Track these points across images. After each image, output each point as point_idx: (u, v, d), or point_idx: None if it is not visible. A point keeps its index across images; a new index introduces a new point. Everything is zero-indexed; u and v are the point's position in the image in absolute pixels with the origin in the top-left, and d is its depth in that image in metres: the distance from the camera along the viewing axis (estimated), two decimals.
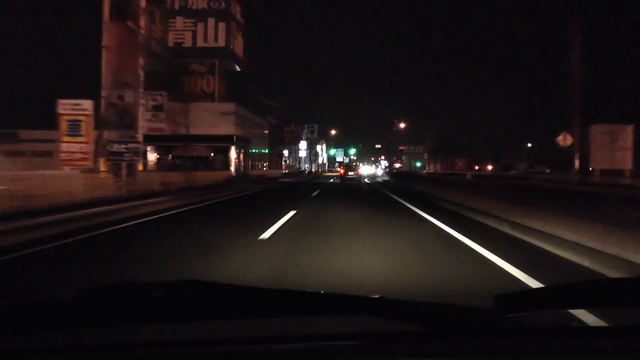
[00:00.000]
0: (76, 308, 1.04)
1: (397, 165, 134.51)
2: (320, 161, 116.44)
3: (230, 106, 39.12)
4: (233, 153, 38.37)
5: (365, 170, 72.34)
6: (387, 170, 64.38)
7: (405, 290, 3.94)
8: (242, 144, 40.03)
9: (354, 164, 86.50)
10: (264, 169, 53.23)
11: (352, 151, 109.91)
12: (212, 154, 41.01)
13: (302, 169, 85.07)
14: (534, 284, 4.21)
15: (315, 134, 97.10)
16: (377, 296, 1.10)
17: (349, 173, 37.39)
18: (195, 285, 1.08)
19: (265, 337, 1.09)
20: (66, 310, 1.04)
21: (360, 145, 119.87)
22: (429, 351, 1.04)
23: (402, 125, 75.78)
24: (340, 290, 1.15)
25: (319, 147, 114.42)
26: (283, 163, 76.97)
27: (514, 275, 4.58)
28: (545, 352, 1.05)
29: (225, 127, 37.49)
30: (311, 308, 1.13)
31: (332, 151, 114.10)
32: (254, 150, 46.36)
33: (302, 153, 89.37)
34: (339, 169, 67.71)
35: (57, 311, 1.04)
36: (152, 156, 39.23)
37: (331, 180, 44.38)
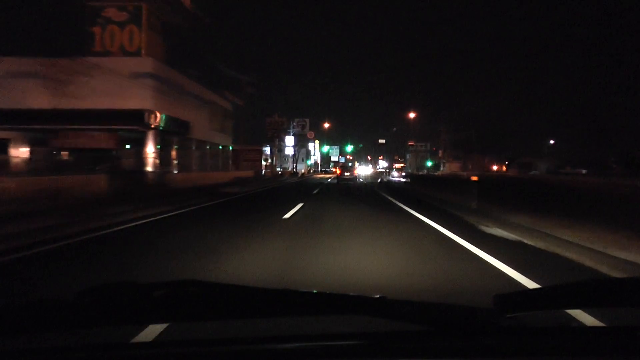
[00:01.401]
0: (76, 308, 1.03)
1: (399, 165, 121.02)
2: (312, 160, 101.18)
3: (144, 63, 23.54)
4: (151, 145, 22.78)
5: (363, 170, 61.52)
6: (406, 173, 46.36)
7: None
8: (174, 129, 24.52)
9: (350, 164, 72.53)
10: (228, 169, 37.73)
11: (350, 148, 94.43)
12: (127, 146, 25.53)
13: (290, 169, 69.66)
14: None
15: (307, 130, 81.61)
16: (378, 296, 1.07)
17: (345, 174, 35.82)
18: (195, 285, 1.06)
19: (265, 337, 1.09)
20: (66, 310, 1.02)
21: (360, 145, 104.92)
22: (430, 351, 1.05)
23: (412, 115, 60.54)
24: (341, 290, 1.10)
25: (311, 145, 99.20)
26: (264, 162, 61.71)
27: None
28: (545, 352, 1.06)
29: (139, 100, 22.02)
30: (311, 308, 1.12)
31: (326, 148, 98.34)
32: (203, 147, 30.74)
33: (289, 150, 73.80)
34: (334, 169, 61.07)
35: (57, 311, 1.02)
36: (19, 150, 23.65)
37: (327, 181, 31.38)
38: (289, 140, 72.64)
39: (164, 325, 1.25)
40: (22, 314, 1.02)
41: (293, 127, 73.58)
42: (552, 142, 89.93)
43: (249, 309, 1.07)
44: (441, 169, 66.25)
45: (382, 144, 76.53)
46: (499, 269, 4.83)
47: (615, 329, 1.19)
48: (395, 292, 3.95)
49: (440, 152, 64.69)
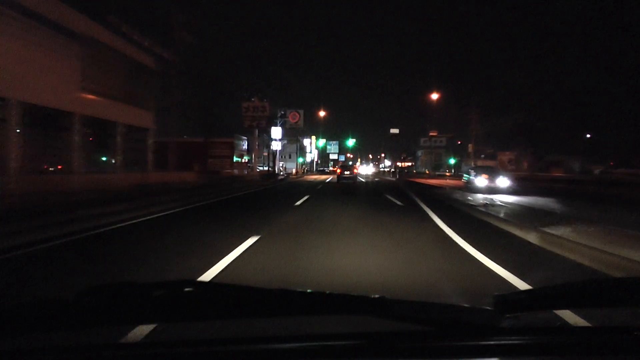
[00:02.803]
0: (76, 308, 1.02)
1: (405, 164, 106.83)
2: (309, 158, 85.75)
3: None
4: None
5: (364, 170, 59.14)
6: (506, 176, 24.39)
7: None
8: None
9: (350, 162, 66.58)
10: (148, 169, 22.22)
11: (351, 142, 78.39)
12: None
13: (273, 170, 54.28)
14: None
15: (301, 123, 65.99)
16: (377, 296, 1.06)
17: (345, 172, 33.33)
18: (195, 285, 1.07)
19: (265, 337, 1.09)
20: (66, 310, 1.02)
21: (359, 140, 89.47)
22: (429, 351, 1.05)
23: (434, 96, 44.85)
24: (341, 290, 1.09)
25: (306, 141, 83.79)
26: (238, 160, 46.38)
27: None
28: (545, 352, 1.06)
29: None
30: (311, 308, 1.11)
31: (321, 142, 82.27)
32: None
33: (276, 145, 58.24)
34: (335, 169, 57.45)
35: (57, 311, 1.02)
36: None
37: (318, 187, 22.87)
38: (276, 132, 57.08)
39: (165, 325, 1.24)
40: (22, 314, 1.01)
41: (281, 117, 57.97)
42: (588, 136, 74.67)
43: (248, 309, 1.06)
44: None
45: (394, 134, 61.24)
46: None
47: (614, 328, 1.19)
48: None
49: (470, 146, 48.91)
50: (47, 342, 1.04)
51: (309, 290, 1.11)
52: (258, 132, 52.03)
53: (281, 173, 52.98)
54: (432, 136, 51.39)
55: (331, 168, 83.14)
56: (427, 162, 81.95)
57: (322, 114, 63.89)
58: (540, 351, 1.06)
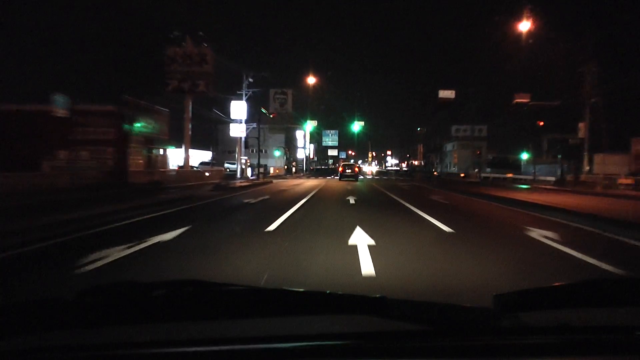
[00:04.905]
0: (76, 308, 1.04)
1: (415, 162, 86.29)
2: (301, 155, 63.43)
3: None
4: None
5: (368, 168, 55.54)
6: None
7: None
8: None
9: (352, 160, 61.43)
10: None
11: (357, 127, 55.44)
12: None
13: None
14: None
15: (288, 107, 43.16)
16: (378, 296, 1.07)
17: (347, 171, 31.28)
18: (195, 285, 1.08)
19: (265, 337, 1.09)
20: (66, 310, 1.03)
21: (361, 127, 67.55)
22: (430, 350, 1.05)
23: (524, 26, 21.93)
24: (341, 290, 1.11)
25: (299, 134, 61.43)
26: (153, 153, 24.05)
27: None
28: (545, 351, 1.06)
29: None
30: (311, 308, 1.11)
31: (310, 125, 58.82)
32: None
33: (237, 130, 35.92)
34: (320, 167, 61.53)
35: (57, 311, 1.03)
36: None
37: None
38: (238, 109, 34.34)
39: (165, 325, 1.13)
40: (22, 314, 1.01)
41: (248, 86, 35.00)
42: None
43: (249, 309, 1.06)
44: (583, 168, 27.31)
45: (445, 100, 38.98)
46: None
47: (614, 328, 1.18)
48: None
49: (580, 125, 26.08)
50: (47, 342, 1.03)
51: (309, 290, 1.11)
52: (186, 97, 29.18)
53: (229, 177, 30.05)
54: (519, 102, 28.37)
55: (331, 166, 64.21)
56: (463, 159, 58.83)
57: (311, 81, 41.25)
58: (540, 351, 1.05)
